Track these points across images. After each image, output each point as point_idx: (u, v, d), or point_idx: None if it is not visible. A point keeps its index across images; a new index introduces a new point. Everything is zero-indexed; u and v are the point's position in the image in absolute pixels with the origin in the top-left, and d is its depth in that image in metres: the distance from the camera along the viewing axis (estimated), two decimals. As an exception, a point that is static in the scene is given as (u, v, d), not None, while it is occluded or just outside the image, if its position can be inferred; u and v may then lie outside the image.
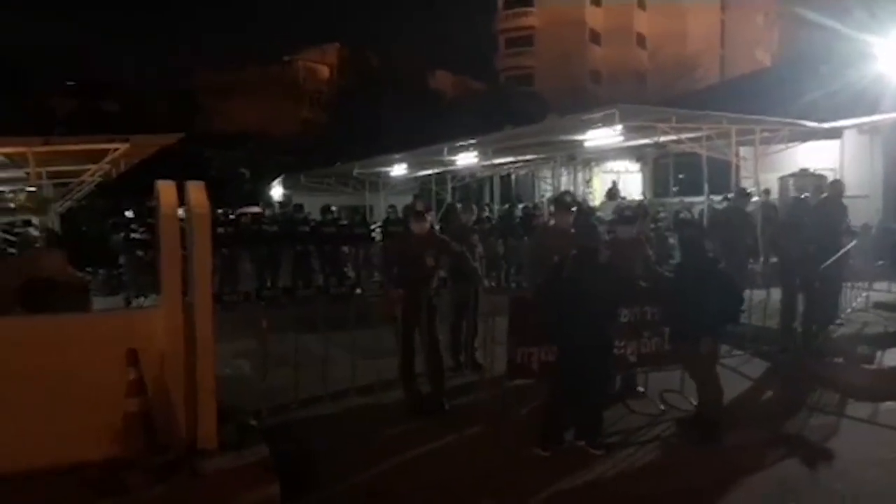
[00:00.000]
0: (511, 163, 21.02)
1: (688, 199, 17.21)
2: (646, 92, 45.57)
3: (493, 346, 6.75)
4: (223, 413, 5.15)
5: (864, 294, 9.60)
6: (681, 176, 20.49)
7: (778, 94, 17.59)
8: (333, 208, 14.57)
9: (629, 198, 19.59)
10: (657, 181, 21.37)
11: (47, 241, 9.33)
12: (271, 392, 6.25)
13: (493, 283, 8.60)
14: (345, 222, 14.66)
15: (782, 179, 16.64)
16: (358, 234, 14.25)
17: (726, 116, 12.43)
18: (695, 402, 6.08)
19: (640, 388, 6.77)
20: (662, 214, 15.75)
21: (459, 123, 28.47)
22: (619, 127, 11.93)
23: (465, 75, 51.42)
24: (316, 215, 14.60)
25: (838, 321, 8.60)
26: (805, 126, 13.44)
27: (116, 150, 9.28)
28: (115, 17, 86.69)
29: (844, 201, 8.84)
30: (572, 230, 6.54)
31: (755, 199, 13.08)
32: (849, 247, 8.30)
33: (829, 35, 21.86)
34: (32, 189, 11.85)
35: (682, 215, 15.91)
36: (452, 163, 18.25)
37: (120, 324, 5.13)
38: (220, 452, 4.94)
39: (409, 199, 21.65)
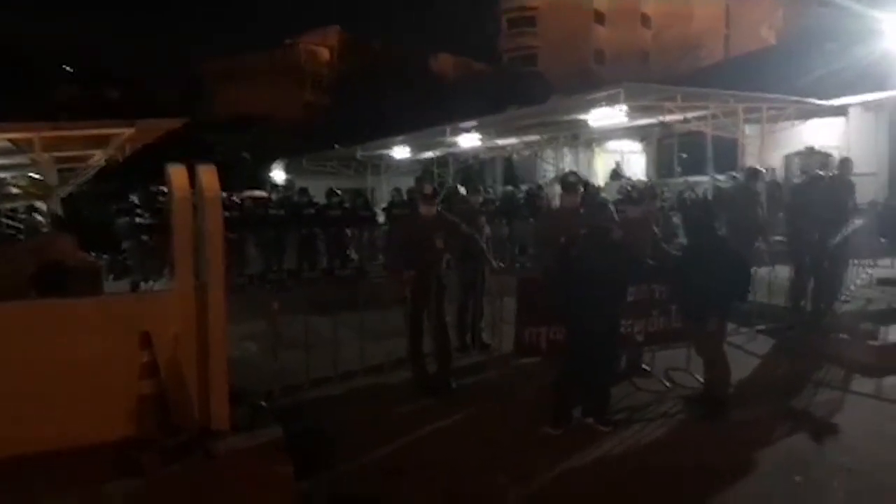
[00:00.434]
0: (514, 144, 20.97)
1: (692, 179, 17.16)
2: (649, 72, 45.22)
3: (501, 326, 6.81)
4: (234, 395, 5.20)
5: (869, 271, 9.62)
6: (684, 155, 20.43)
7: (783, 73, 17.49)
8: (338, 191, 14.57)
9: (632, 178, 19.55)
10: (660, 161, 21.30)
11: (53, 227, 9.36)
12: (281, 373, 6.30)
13: (501, 265, 8.59)
14: (348, 205, 14.68)
15: (787, 158, 16.61)
16: (362, 217, 14.28)
17: (733, 94, 12.38)
18: (701, 380, 6.13)
19: (646, 367, 6.82)
20: (667, 194, 15.73)
21: (462, 106, 28.37)
22: (624, 106, 11.89)
23: (467, 57, 51.13)
24: (318, 199, 14.62)
25: (843, 298, 8.62)
26: (811, 103, 13.37)
27: (122, 134, 9.27)
28: (115, 4, 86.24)
29: (852, 179, 8.82)
30: (580, 210, 6.54)
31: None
32: (857, 225, 8.30)
33: (835, 12, 21.63)
34: (37, 175, 11.87)
35: (686, 195, 15.92)
36: (455, 144, 18.21)
37: (133, 307, 5.18)
38: (233, 433, 4.99)
39: (411, 182, 21.68)
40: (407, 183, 20.75)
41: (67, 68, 39.97)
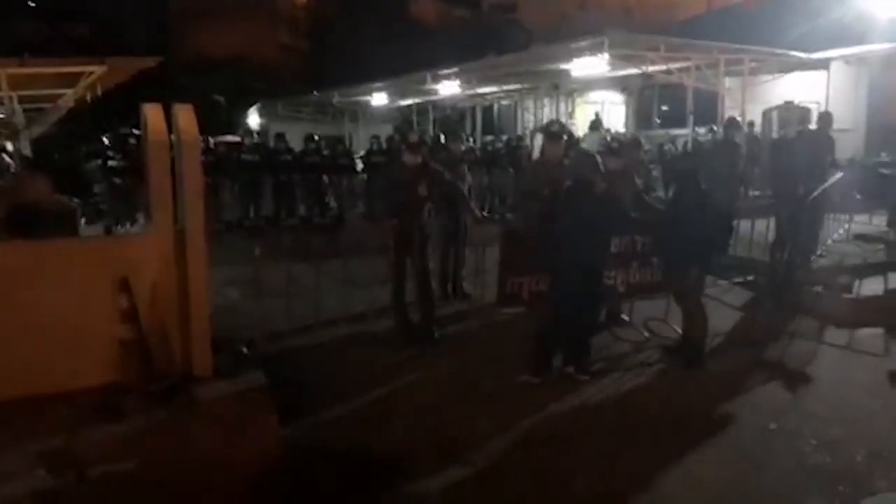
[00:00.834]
0: (494, 93, 20.71)
1: (673, 132, 17.15)
2: (632, 24, 44.63)
3: (482, 276, 6.81)
4: (216, 342, 5.16)
5: (846, 226, 9.76)
6: (664, 108, 20.38)
7: (762, 27, 17.36)
8: (316, 137, 14.31)
9: (612, 130, 19.48)
10: (640, 113, 21.22)
11: (23, 168, 9.09)
12: (263, 320, 6.26)
13: (484, 214, 8.57)
14: (326, 152, 14.44)
15: (766, 112, 16.63)
16: (341, 165, 14.08)
17: (716, 46, 12.28)
18: (679, 330, 6.22)
19: (625, 317, 6.90)
20: (647, 147, 15.70)
21: (442, 53, 27.83)
22: (606, 55, 11.74)
23: (447, 2, 49.91)
24: (294, 145, 14.34)
25: (819, 252, 8.75)
26: (794, 56, 13.33)
27: (93, 73, 8.95)
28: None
29: (831, 134, 8.86)
30: (564, 161, 6.50)
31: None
32: (834, 179, 8.37)
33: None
34: (2, 115, 11.47)
35: (666, 147, 15.95)
36: (435, 92, 17.94)
37: (111, 250, 5.06)
38: (216, 379, 4.97)
39: (390, 130, 21.37)
40: (385, 131, 20.43)
41: (30, 2, 38.29)
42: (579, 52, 12.46)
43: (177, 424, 4.40)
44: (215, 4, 42.75)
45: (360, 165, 14.88)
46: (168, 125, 4.87)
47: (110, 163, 12.52)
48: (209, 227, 5.14)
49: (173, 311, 4.89)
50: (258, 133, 19.88)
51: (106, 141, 13.24)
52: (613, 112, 21.65)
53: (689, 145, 14.30)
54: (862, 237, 9.54)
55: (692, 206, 5.76)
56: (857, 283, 7.54)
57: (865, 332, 6.61)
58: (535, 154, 15.03)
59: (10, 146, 12.01)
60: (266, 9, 45.63)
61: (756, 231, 8.74)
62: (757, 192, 9.50)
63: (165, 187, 4.80)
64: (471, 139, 17.03)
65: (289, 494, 3.99)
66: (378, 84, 19.07)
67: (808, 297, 7.41)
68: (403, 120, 24.05)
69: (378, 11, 38.68)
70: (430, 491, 4.02)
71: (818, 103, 14.82)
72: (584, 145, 14.59)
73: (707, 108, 16.57)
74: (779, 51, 13.19)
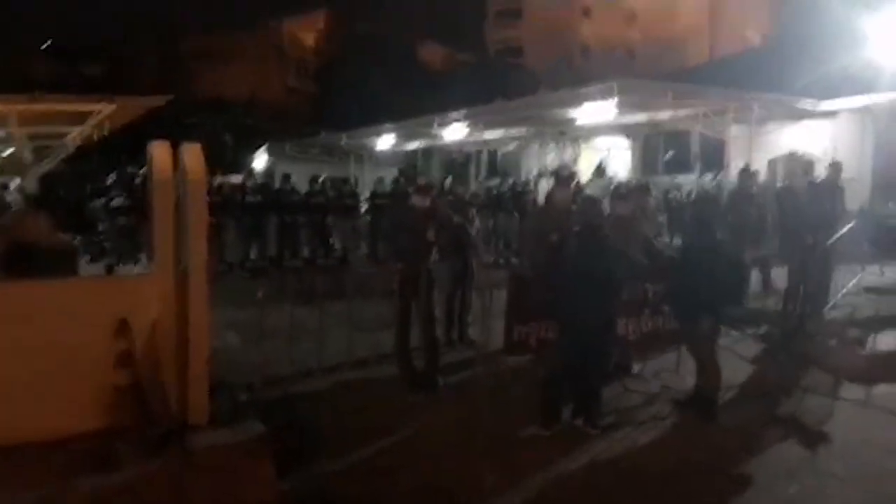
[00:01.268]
0: (500, 137, 20.81)
1: (678, 179, 17.14)
2: (635, 69, 45.17)
3: (488, 322, 6.67)
4: (214, 387, 5.00)
5: (857, 277, 9.62)
6: (669, 154, 20.42)
7: (767, 75, 17.50)
8: (321, 178, 14.30)
9: (616, 175, 19.49)
10: (645, 159, 21.25)
11: (26, 205, 9.03)
12: (263, 365, 6.10)
13: (492, 259, 8.46)
14: (332, 192, 14.42)
15: (771, 162, 16.61)
16: (347, 206, 14.03)
17: (723, 93, 12.32)
18: (692, 382, 6.04)
19: (636, 368, 6.72)
20: (653, 193, 15.67)
21: (449, 96, 28.14)
22: (615, 101, 11.77)
23: (453, 47, 50.75)
24: (300, 186, 14.32)
25: (831, 304, 8.59)
26: (801, 105, 13.36)
27: (101, 111, 8.95)
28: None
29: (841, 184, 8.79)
30: (573, 205, 6.41)
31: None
32: (845, 230, 8.27)
33: (820, 15, 21.76)
34: (11, 150, 11.48)
35: (672, 195, 15.91)
36: (441, 136, 18.00)
37: (110, 291, 4.94)
38: (212, 427, 4.79)
39: (395, 172, 21.43)
40: (390, 173, 20.49)
41: (45, 43, 39.03)
42: (587, 98, 12.50)
43: (171, 474, 4.22)
44: (225, 46, 43.50)
45: (364, 207, 14.85)
46: (175, 164, 4.80)
47: (115, 201, 12.48)
48: (212, 267, 5.03)
49: (171, 354, 4.74)
50: (265, 173, 19.91)
51: (112, 179, 13.21)
52: (618, 158, 21.70)
53: (695, 193, 14.24)
54: (873, 289, 9.39)
55: (705, 255, 5.64)
56: (871, 336, 7.38)
57: (881, 389, 6.41)
58: (541, 199, 15.02)
59: (13, 183, 11.99)
60: (275, 51, 46.43)
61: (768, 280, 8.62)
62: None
63: (169, 226, 4.70)
64: (476, 183, 17.02)
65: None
66: (385, 126, 19.17)
67: (821, 349, 7.24)
68: (409, 163, 24.15)
69: (386, 55, 39.26)
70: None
71: (823, 153, 14.81)
72: (588, 191, 14.57)
73: (712, 156, 16.60)
74: (787, 98, 13.23)
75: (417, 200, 6.18)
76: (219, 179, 16.57)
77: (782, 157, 15.86)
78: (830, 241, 7.90)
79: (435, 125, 16.60)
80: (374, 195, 14.70)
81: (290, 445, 4.91)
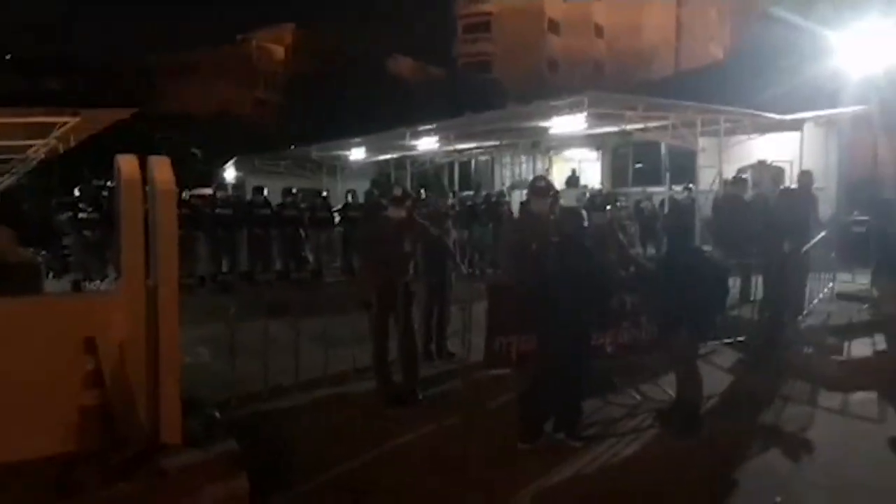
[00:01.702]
0: (472, 149, 20.80)
1: (649, 189, 17.29)
2: (603, 83, 45.79)
3: (467, 334, 6.58)
4: (186, 405, 4.82)
5: (830, 285, 9.73)
6: (639, 165, 20.61)
7: (732, 87, 17.76)
8: (294, 191, 14.13)
9: (589, 186, 19.59)
10: (616, 170, 21.42)
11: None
12: (237, 382, 5.93)
13: (469, 270, 8.37)
14: (304, 205, 14.25)
15: (740, 171, 16.84)
16: (321, 219, 13.87)
17: (692, 106, 12.44)
18: (672, 393, 6.01)
19: (615, 380, 6.67)
20: (624, 204, 15.77)
21: (418, 109, 28.15)
22: (586, 114, 11.81)
23: (423, 60, 50.93)
24: (271, 198, 14.13)
25: (805, 312, 8.66)
26: (769, 117, 13.55)
27: (65, 123, 8.67)
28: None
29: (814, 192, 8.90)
30: (551, 216, 6.36)
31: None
32: (818, 238, 8.36)
33: (783, 29, 22.21)
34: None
35: (643, 205, 16.04)
36: (413, 148, 17.93)
37: (77, 308, 4.74)
38: (185, 447, 4.62)
39: (367, 184, 21.29)
40: (362, 185, 20.35)
41: (7, 56, 38.20)
42: (559, 111, 12.52)
43: (140, 500, 4.03)
44: (194, 59, 43.09)
45: (337, 219, 14.71)
46: (143, 178, 4.64)
47: (81, 215, 12.16)
48: (181, 282, 4.86)
49: (141, 372, 4.56)
50: (234, 186, 19.64)
51: (77, 193, 12.88)
52: (589, 169, 21.86)
53: (670, 203, 14.36)
54: (846, 296, 9.50)
55: (685, 264, 5.62)
56: (846, 343, 7.44)
57: (859, 396, 6.45)
58: (515, 210, 15.00)
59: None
60: (244, 64, 46.13)
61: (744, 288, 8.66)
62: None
63: (138, 240, 4.53)
64: (451, 194, 16.97)
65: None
66: (357, 139, 19.04)
67: (798, 358, 7.27)
68: (380, 174, 24.05)
69: (356, 68, 39.20)
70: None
71: (791, 162, 15.07)
72: (561, 201, 14.59)
73: (681, 167, 16.79)
74: (754, 112, 13.41)
75: (394, 212, 6.08)
76: (188, 193, 16.31)
77: (752, 166, 16.08)
78: (805, 248, 7.96)
79: (407, 138, 16.51)
80: (347, 207, 14.56)
81: (267, 464, 4.75)
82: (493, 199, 15.61)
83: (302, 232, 13.64)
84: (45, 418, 4.17)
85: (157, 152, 5.03)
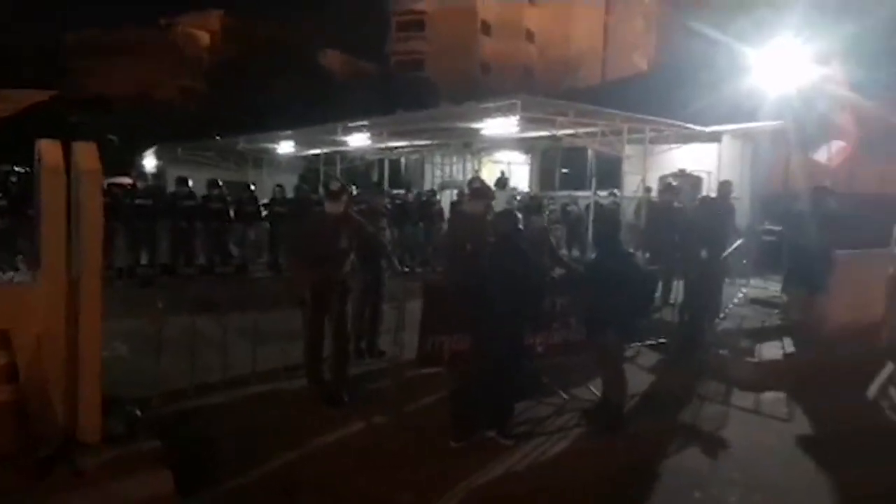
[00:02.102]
0: (404, 147, 20.75)
1: (575, 194, 17.69)
2: (533, 87, 46.58)
3: (400, 333, 6.55)
4: (107, 402, 4.62)
5: (743, 290, 10.21)
6: (566, 170, 21.06)
7: (656, 98, 18.40)
8: (220, 183, 13.72)
9: (517, 189, 19.88)
10: (544, 174, 21.82)
11: None
12: (161, 379, 5.71)
13: (405, 268, 8.34)
14: (230, 198, 13.86)
15: (662, 178, 17.48)
16: (247, 212, 13.54)
17: (620, 114, 12.81)
18: (598, 392, 6.18)
19: (545, 379, 6.79)
20: (552, 207, 16.11)
21: (349, 104, 27.87)
22: (518, 117, 11.97)
23: (355, 56, 50.42)
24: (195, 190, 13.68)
25: (721, 316, 9.06)
26: (689, 128, 14.12)
27: (-25, 104, 8.17)
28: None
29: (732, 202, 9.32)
30: (487, 217, 6.42)
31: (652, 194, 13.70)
32: (736, 245, 8.76)
33: (703, 43, 23.12)
34: None
35: (570, 208, 16.41)
36: (344, 143, 17.73)
37: (-10, 300, 4.47)
38: (105, 446, 4.43)
39: (294, 179, 20.93)
40: (289, 179, 19.98)
41: None
42: (491, 113, 12.66)
43: (56, 501, 3.84)
44: (114, 41, 41.25)
45: (264, 213, 14.37)
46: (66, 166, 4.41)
47: (-11, 201, 11.48)
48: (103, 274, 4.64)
49: (60, 368, 4.35)
50: (155, 176, 18.91)
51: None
52: (518, 172, 22.18)
53: (596, 208, 14.74)
54: (759, 301, 10.00)
55: (613, 267, 5.78)
56: (758, 346, 7.83)
57: (770, 396, 6.80)
58: (446, 209, 15.08)
59: None
60: (167, 49, 44.49)
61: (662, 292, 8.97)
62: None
63: (59, 229, 4.31)
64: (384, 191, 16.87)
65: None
66: (286, 132, 18.66)
67: (714, 360, 7.60)
68: (308, 169, 23.69)
69: (286, 59, 38.44)
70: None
71: (709, 173, 15.73)
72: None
73: (606, 173, 17.27)
74: (677, 123, 13.94)
75: (331, 206, 5.98)
76: (105, 181, 15.60)
77: (673, 175, 16.69)
78: (724, 255, 8.33)
79: (339, 133, 16.31)
80: (274, 202, 14.25)
81: (192, 462, 4.61)
82: (424, 198, 15.62)
83: (227, 226, 13.28)
84: (-47, 416, 3.92)
85: (71, 137, 4.79)
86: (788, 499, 4.75)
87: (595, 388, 6.30)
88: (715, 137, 15.23)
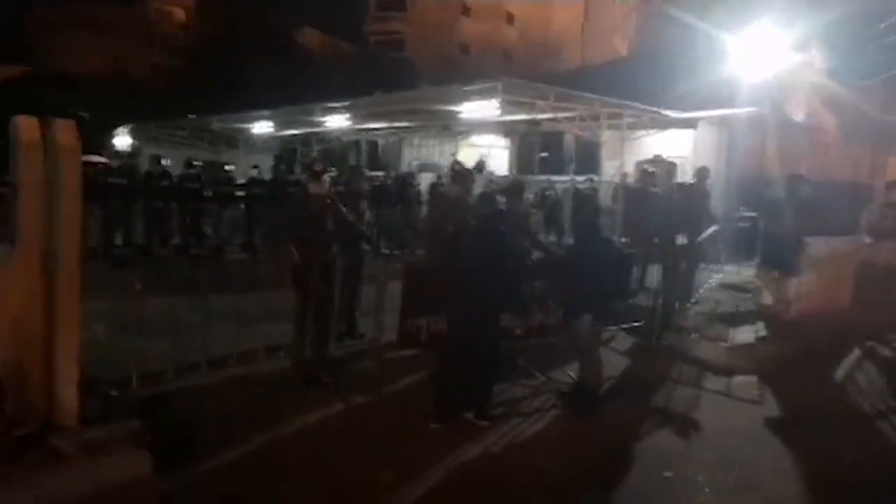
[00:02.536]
0: (381, 129, 20.63)
1: (553, 178, 17.76)
2: (512, 69, 46.43)
3: (380, 316, 6.58)
4: (83, 383, 4.59)
5: (717, 275, 10.39)
6: (544, 154, 21.10)
7: (632, 84, 18.48)
8: (197, 163, 13.57)
9: (496, 173, 19.89)
10: (522, 158, 21.83)
11: None
12: (139, 360, 5.68)
13: (385, 251, 8.34)
14: (206, 178, 13.71)
15: (638, 164, 17.62)
16: (224, 193, 13.41)
17: (600, 99, 12.87)
18: (574, 375, 6.26)
19: (521, 361, 6.87)
20: (530, 191, 16.14)
21: (328, 84, 27.60)
22: (498, 100, 11.95)
23: (334, 35, 49.78)
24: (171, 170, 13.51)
25: (694, 300, 9.21)
26: (666, 114, 14.24)
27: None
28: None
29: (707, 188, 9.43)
30: (468, 200, 6.45)
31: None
32: (710, 231, 8.89)
33: (680, 29, 23.23)
34: None
35: (548, 193, 16.48)
36: (321, 124, 17.59)
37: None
38: (83, 427, 4.40)
39: (269, 159, 20.74)
40: (265, 160, 19.81)
41: None
42: (471, 96, 12.63)
43: (34, 482, 3.82)
44: (85, 16, 40.26)
45: (241, 194, 14.24)
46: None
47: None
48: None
49: (36, 349, 4.30)
50: (130, 155, 18.63)
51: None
52: (496, 156, 22.17)
53: (575, 193, 14.83)
54: (731, 287, 10.17)
55: (592, 252, 5.85)
56: (731, 330, 7.98)
57: (741, 379, 6.94)
58: (424, 192, 15.05)
59: None
60: (141, 25, 43.56)
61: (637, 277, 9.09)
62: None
63: (37, 207, 4.24)
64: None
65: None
66: (261, 112, 18.45)
67: (688, 343, 7.74)
68: (284, 150, 23.48)
69: (262, 38, 37.86)
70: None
71: (685, 158, 15.90)
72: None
73: (584, 157, 17.37)
74: (654, 108, 14.05)
75: (315, 187, 5.94)
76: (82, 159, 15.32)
77: (649, 161, 16.82)
78: (698, 240, 8.45)
79: (316, 113, 16.18)
80: (251, 182, 14.13)
81: (172, 443, 4.60)
82: (403, 180, 15.58)
83: (203, 207, 13.15)
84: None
85: (41, 113, 4.71)
86: (758, 478, 4.87)
87: (572, 371, 6.38)
88: (690, 124, 15.37)
